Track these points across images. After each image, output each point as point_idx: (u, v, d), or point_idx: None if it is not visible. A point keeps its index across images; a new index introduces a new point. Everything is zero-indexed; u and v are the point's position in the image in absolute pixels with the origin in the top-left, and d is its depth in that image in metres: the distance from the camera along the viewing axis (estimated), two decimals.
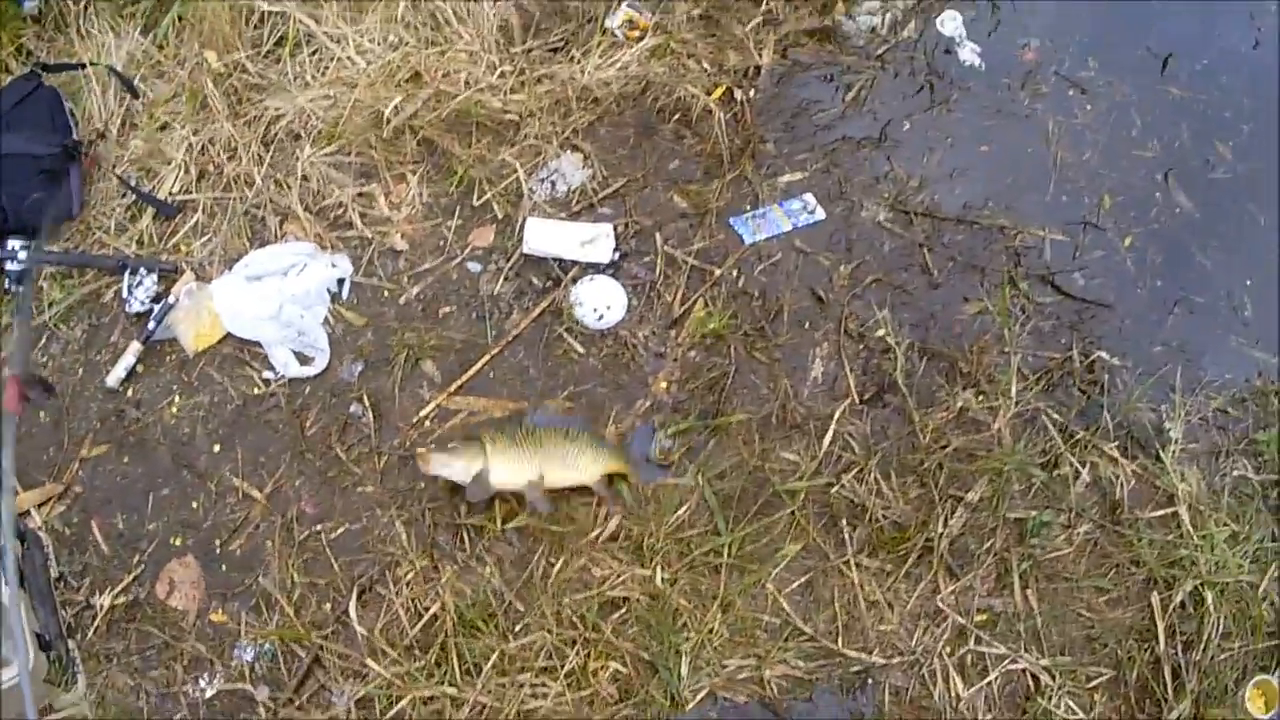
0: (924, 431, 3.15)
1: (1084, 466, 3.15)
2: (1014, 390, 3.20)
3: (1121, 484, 3.17)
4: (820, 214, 3.38)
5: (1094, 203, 3.54)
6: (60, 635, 2.94)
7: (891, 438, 3.17)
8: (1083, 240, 3.49)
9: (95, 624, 3.04)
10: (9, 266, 3.30)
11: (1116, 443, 3.22)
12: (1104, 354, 3.33)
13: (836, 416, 3.17)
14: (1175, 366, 3.35)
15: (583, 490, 3.06)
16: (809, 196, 3.40)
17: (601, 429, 3.17)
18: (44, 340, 3.35)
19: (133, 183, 3.44)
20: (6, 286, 3.34)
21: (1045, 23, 3.77)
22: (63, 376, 3.31)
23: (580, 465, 3.00)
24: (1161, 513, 3.17)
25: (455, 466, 2.96)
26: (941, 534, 3.04)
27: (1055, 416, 3.22)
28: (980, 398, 3.21)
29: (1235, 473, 3.25)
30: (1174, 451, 3.22)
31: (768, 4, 3.65)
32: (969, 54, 3.64)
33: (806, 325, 3.27)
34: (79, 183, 3.44)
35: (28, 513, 3.15)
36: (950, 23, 3.66)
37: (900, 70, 3.64)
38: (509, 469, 2.96)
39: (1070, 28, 3.78)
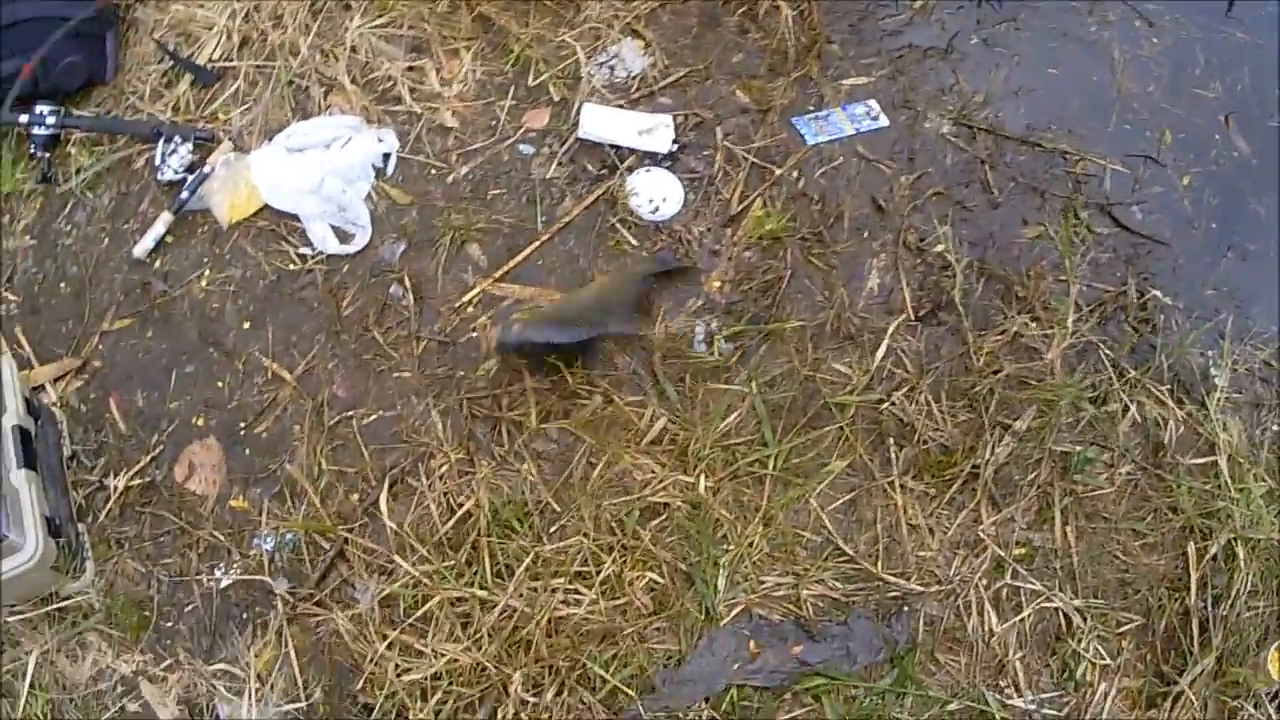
0: (978, 354, 2.53)
1: (1132, 405, 2.53)
2: (1070, 321, 2.57)
3: (1168, 427, 2.54)
4: (884, 121, 2.71)
5: (1155, 137, 2.88)
6: (70, 518, 2.35)
7: (944, 358, 2.54)
8: (1142, 174, 2.84)
9: (108, 507, 2.41)
10: (36, 131, 2.66)
11: (1166, 385, 2.58)
12: (1158, 293, 2.69)
13: (891, 331, 2.54)
14: (1226, 314, 2.71)
15: (625, 385, 2.48)
16: (873, 102, 2.74)
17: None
18: (69, 208, 2.71)
19: (171, 48, 2.70)
20: (33, 152, 2.69)
21: None
22: (87, 246, 2.67)
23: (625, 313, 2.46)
24: (1202, 461, 2.53)
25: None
26: (987, 461, 2.42)
27: (1108, 352, 2.58)
28: (1035, 324, 2.58)
29: (1275, 428, 2.62)
30: (1218, 400, 2.58)
31: None
32: None
33: (865, 234, 2.62)
34: (115, 47, 2.77)
35: (42, 388, 2.52)
36: None
37: None
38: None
39: None
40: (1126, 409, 2.53)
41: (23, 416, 2.23)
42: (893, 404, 2.47)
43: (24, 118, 2.64)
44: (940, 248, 2.61)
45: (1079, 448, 2.47)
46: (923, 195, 2.67)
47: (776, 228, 2.57)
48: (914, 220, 2.64)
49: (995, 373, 2.50)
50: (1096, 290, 2.66)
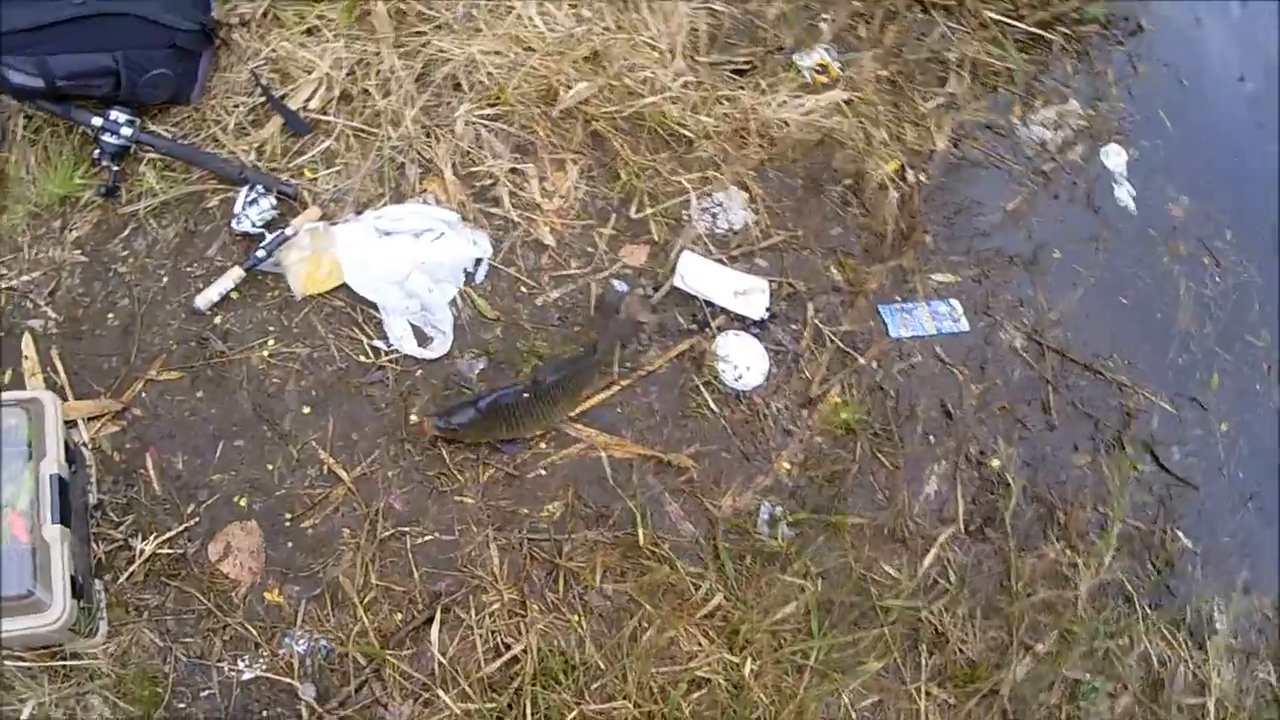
0: (1017, 576, 3.13)
1: (1143, 643, 3.18)
2: (1107, 560, 3.20)
3: (1170, 666, 3.20)
4: (964, 324, 3.29)
5: (1204, 378, 3.58)
6: (89, 572, 2.64)
7: (986, 574, 3.14)
8: (1187, 415, 3.52)
9: (131, 570, 2.71)
10: (106, 139, 2.92)
11: (1176, 627, 3.25)
12: (1183, 535, 3.36)
13: (940, 540, 3.11)
14: (1238, 563, 3.42)
15: (685, 553, 2.95)
16: (956, 303, 3.30)
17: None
18: (128, 231, 3.00)
19: (265, 83, 3.00)
20: (98, 158, 2.95)
21: (1194, 181, 3.76)
22: (143, 279, 2.96)
23: (585, 391, 3.00)
24: (1194, 701, 3.21)
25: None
26: (1006, 679, 3.01)
27: (1130, 589, 3.24)
28: (1070, 552, 3.20)
29: (1264, 676, 3.33)
30: (1218, 644, 3.28)
31: (951, 86, 3.41)
32: (1124, 194, 3.60)
33: (931, 439, 3.20)
34: (206, 68, 3.05)
35: (74, 424, 2.79)
36: (1114, 157, 3.62)
37: (1061, 193, 3.57)
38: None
39: (1215, 191, 3.76)
40: (1133, 644, 3.16)
41: (62, 463, 2.50)
42: (931, 612, 3.03)
43: (96, 120, 2.91)
44: (997, 464, 3.19)
45: (1089, 676, 3.09)
46: (988, 407, 3.26)
47: (851, 419, 3.10)
48: (978, 432, 3.21)
49: (1029, 596, 3.10)
50: (1129, 526, 3.30)
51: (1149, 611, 3.21)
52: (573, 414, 2.97)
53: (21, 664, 2.56)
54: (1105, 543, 3.21)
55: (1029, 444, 3.29)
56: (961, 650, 3.03)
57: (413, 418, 2.91)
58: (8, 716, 2.54)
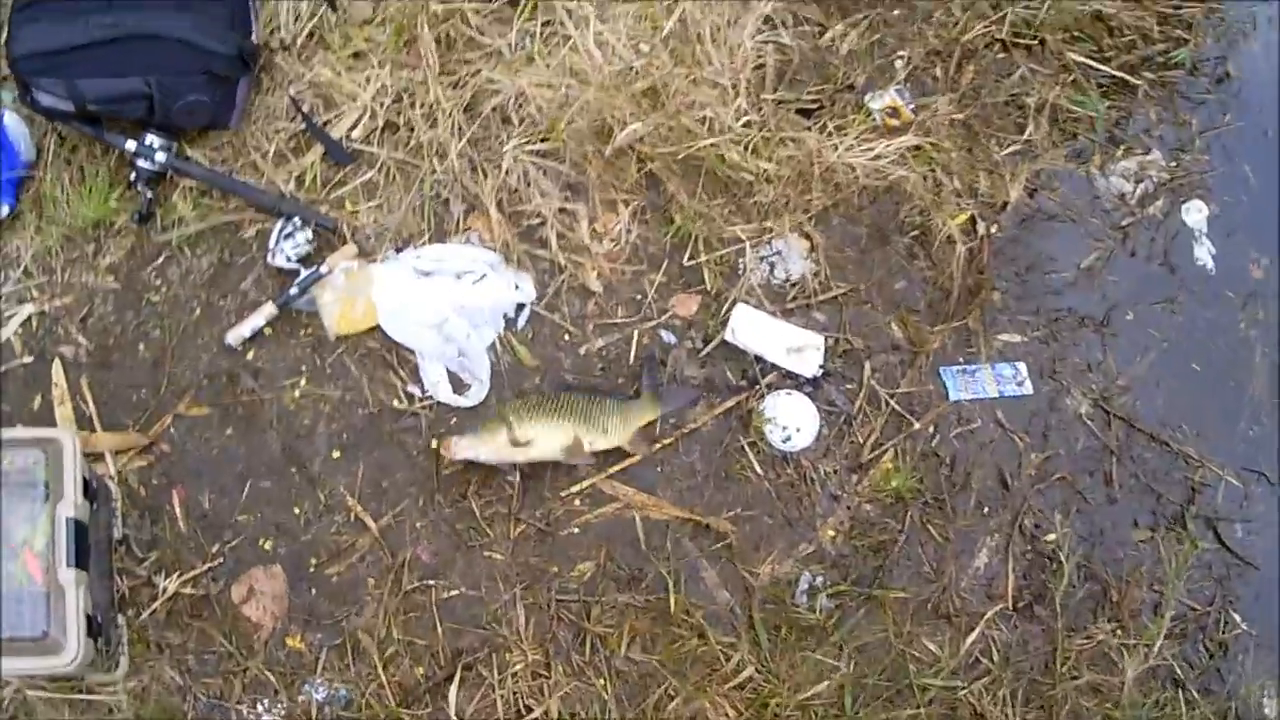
0: (1063, 659, 3.12)
1: None
2: (1158, 644, 3.18)
3: None
4: (1028, 388, 3.27)
5: (1273, 451, 3.50)
6: (111, 605, 2.73)
7: (1031, 654, 3.13)
8: (1253, 490, 3.46)
9: (153, 607, 2.81)
10: (141, 164, 2.96)
11: (1222, 716, 3.22)
12: (1238, 617, 3.32)
13: (986, 618, 3.11)
14: None
15: (718, 621, 2.97)
16: (1021, 366, 3.28)
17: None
18: (162, 259, 3.06)
19: (306, 109, 3.01)
20: (133, 182, 2.99)
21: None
22: (175, 310, 3.02)
23: (612, 428, 2.95)
24: None
25: (482, 448, 2.85)
26: None
27: (1179, 674, 3.21)
28: (1120, 632, 3.18)
29: None
30: None
31: (1029, 133, 3.36)
32: (1204, 252, 3.53)
33: (985, 510, 3.19)
34: (246, 94, 3.07)
35: (101, 457, 2.87)
36: (1195, 213, 3.54)
37: (1138, 250, 3.52)
38: (541, 439, 2.89)
39: None
40: None
41: (79, 505, 2.54)
42: (971, 692, 3.03)
43: (130, 144, 2.94)
44: (1052, 538, 3.18)
45: None
46: (1048, 478, 3.25)
47: (902, 486, 3.10)
48: (1035, 503, 3.19)
49: (1074, 678, 3.10)
50: (1184, 605, 3.26)
51: (1197, 698, 3.19)
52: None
53: (43, 693, 2.68)
54: (1158, 626, 3.19)
55: (1087, 518, 3.26)
56: None
57: (433, 443, 2.95)
58: None
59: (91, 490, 2.63)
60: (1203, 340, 3.50)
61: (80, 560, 2.49)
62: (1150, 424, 3.38)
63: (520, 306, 3.09)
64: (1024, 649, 3.12)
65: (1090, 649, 3.14)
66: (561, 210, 3.13)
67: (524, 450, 2.86)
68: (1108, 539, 3.27)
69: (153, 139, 2.94)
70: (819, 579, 3.04)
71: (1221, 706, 3.21)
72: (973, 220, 3.36)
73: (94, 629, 2.53)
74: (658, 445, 3.04)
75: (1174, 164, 3.61)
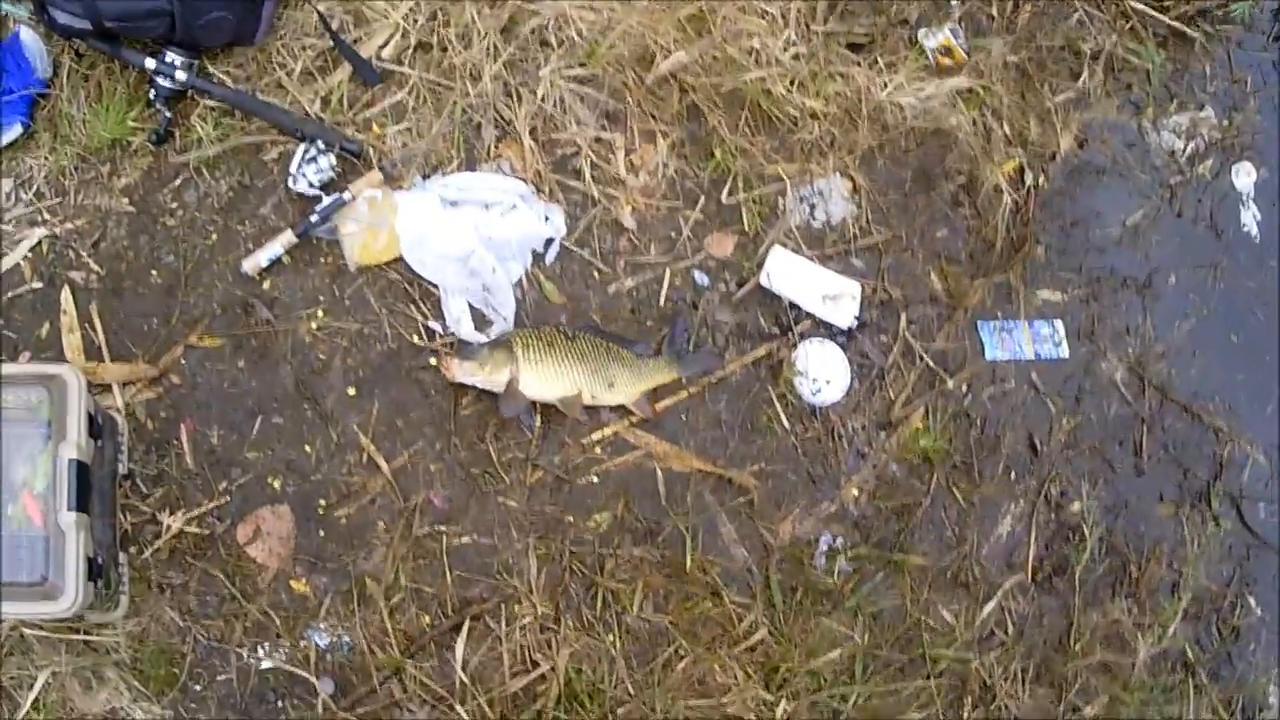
0: (1078, 635, 2.54)
1: (1192, 715, 2.60)
2: (1173, 626, 2.59)
3: None
4: (1064, 350, 2.65)
5: None
6: (114, 543, 2.16)
7: (1046, 628, 2.55)
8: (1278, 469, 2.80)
9: (157, 545, 2.22)
10: (160, 82, 2.28)
11: (1228, 703, 2.65)
12: (1253, 601, 2.73)
13: (1005, 589, 2.52)
14: None
15: (733, 580, 2.39)
16: (1059, 325, 2.65)
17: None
18: (179, 182, 2.38)
19: (336, 27, 2.29)
20: (152, 101, 2.30)
21: None
22: (191, 235, 2.37)
23: (620, 383, 2.32)
24: None
25: (482, 374, 2.24)
26: None
27: (1190, 657, 2.62)
28: (1136, 610, 2.60)
29: None
30: None
31: (1083, 80, 2.60)
32: (1249, 218, 2.86)
33: (1012, 476, 2.60)
34: (272, 8, 2.38)
35: (108, 389, 2.26)
36: (1244, 176, 2.85)
37: (1185, 210, 2.83)
38: (542, 380, 2.27)
39: None
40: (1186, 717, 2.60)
41: (83, 446, 1.97)
42: (983, 663, 2.47)
43: (150, 62, 2.28)
44: (1076, 508, 2.56)
45: None
46: (1077, 445, 2.64)
47: (931, 447, 2.49)
48: (1062, 470, 2.59)
49: (1086, 656, 2.53)
50: (1201, 586, 2.68)
51: (1205, 683, 2.62)
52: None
53: (40, 632, 2.14)
54: (1174, 606, 2.61)
55: (1113, 488, 2.65)
56: (1008, 706, 2.48)
57: (432, 361, 2.34)
58: (23, 681, 2.13)
59: (96, 426, 2.06)
60: (1243, 310, 2.84)
61: (82, 502, 1.95)
62: (1183, 394, 2.75)
63: (549, 241, 2.44)
64: (1039, 623, 2.56)
65: (1105, 627, 2.58)
66: (597, 140, 2.47)
67: (524, 387, 2.25)
68: (1132, 512, 2.67)
69: (173, 56, 2.27)
70: (839, 540, 2.47)
71: (1228, 694, 2.65)
72: (1020, 169, 2.67)
73: (94, 571, 1.99)
74: (660, 406, 2.40)
75: (1226, 123, 2.90)
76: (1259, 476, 2.75)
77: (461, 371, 2.23)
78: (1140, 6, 2.82)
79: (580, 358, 2.29)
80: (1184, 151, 2.83)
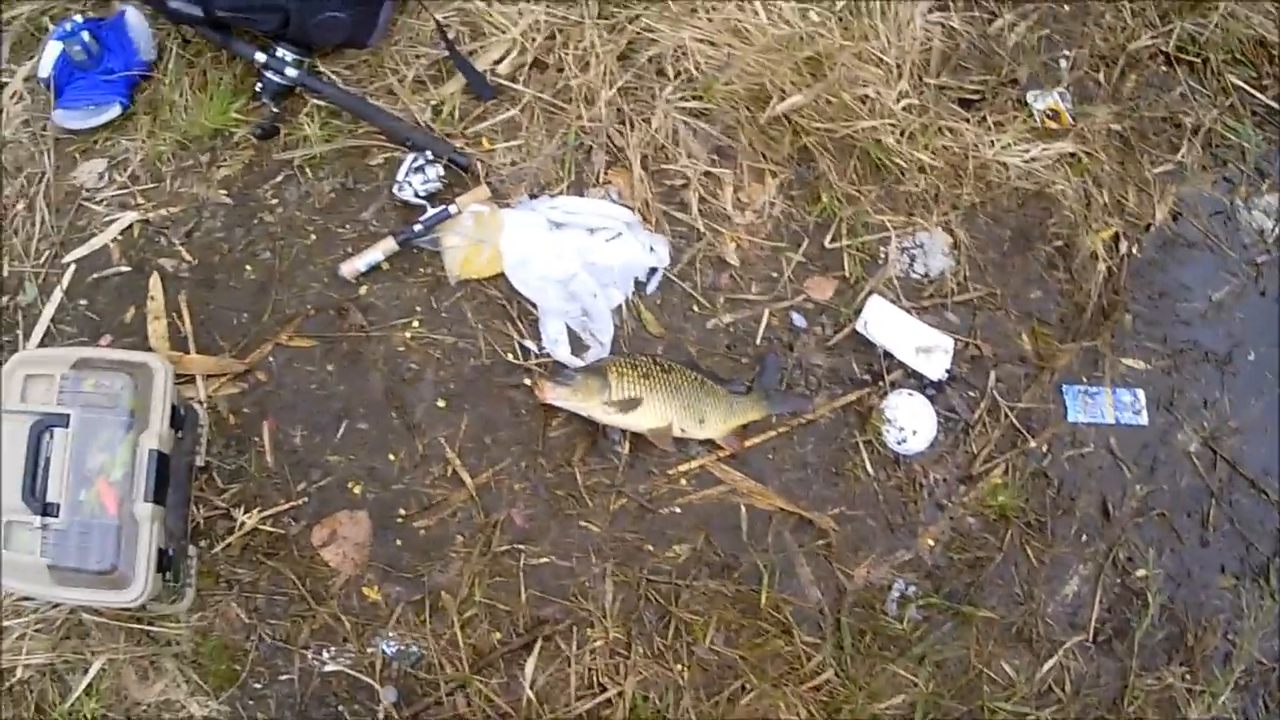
0: (1132, 697, 2.24)
1: None
2: (1224, 696, 2.28)
3: None
4: (1144, 419, 2.36)
5: None
6: (185, 535, 1.92)
7: (1101, 689, 2.25)
8: None
9: (229, 541, 1.97)
10: (269, 77, 2.05)
11: None
12: None
13: (1066, 647, 2.23)
14: None
15: (805, 619, 2.11)
16: (1141, 394, 2.37)
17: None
18: (280, 178, 2.14)
19: (452, 37, 1.99)
20: (259, 94, 2.06)
21: None
22: (289, 233, 2.12)
23: (711, 419, 2.05)
24: None
25: (575, 400, 1.97)
26: None
27: None
28: (1189, 677, 2.29)
29: None
30: None
31: (1182, 154, 2.30)
32: None
33: (1084, 538, 2.30)
34: (389, 13, 2.13)
35: (192, 379, 2.01)
36: None
37: (1269, 289, 2.54)
38: (633, 408, 1.99)
39: None
40: None
41: (164, 436, 1.76)
42: (1039, 719, 2.18)
43: (260, 56, 2.05)
44: (1142, 573, 2.28)
45: None
46: (1148, 513, 2.34)
47: (1008, 504, 2.21)
48: (1132, 536, 2.30)
49: (1137, 718, 2.24)
50: (1253, 659, 2.37)
51: None
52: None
53: (99, 618, 1.91)
54: (1226, 676, 2.31)
55: (1178, 558, 2.36)
56: None
57: (525, 381, 2.07)
58: (78, 666, 1.90)
59: (178, 417, 1.82)
60: None
61: (159, 494, 1.73)
62: (1253, 470, 2.43)
63: (652, 271, 2.17)
64: (1095, 682, 2.26)
65: (1158, 691, 2.27)
66: (707, 174, 2.19)
67: (615, 415, 1.98)
68: (1194, 582, 2.36)
69: (284, 52, 2.04)
70: (911, 588, 2.19)
71: None
72: (1116, 237, 2.36)
73: (164, 563, 1.77)
74: (749, 444, 2.13)
75: None
76: None
77: (555, 395, 1.97)
78: (1240, 84, 2.52)
79: (673, 390, 2.02)
80: (1273, 231, 2.52)
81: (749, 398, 2.09)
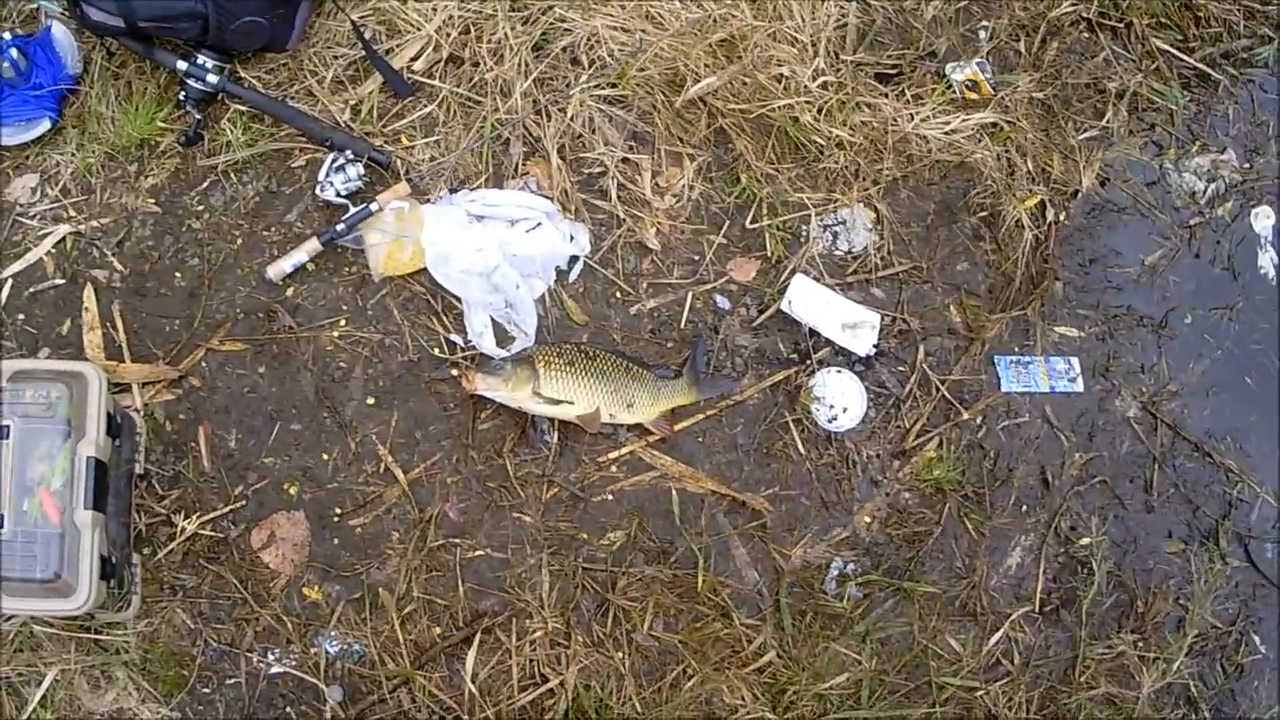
0: (1083, 666, 2.33)
1: None
2: (1178, 662, 2.38)
3: None
4: (1079, 385, 2.45)
5: None
6: (127, 543, 2.02)
7: (1051, 660, 2.36)
8: None
9: (171, 547, 2.07)
10: (191, 84, 2.15)
11: None
12: (1257, 639, 2.51)
13: (1012, 619, 2.33)
14: None
15: (744, 602, 2.21)
16: (1075, 361, 2.46)
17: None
18: (206, 185, 2.25)
19: (368, 37, 2.11)
20: (182, 102, 2.17)
21: None
22: (216, 239, 2.24)
23: (639, 403, 2.15)
24: None
25: (503, 389, 2.05)
26: None
27: (1194, 693, 2.40)
28: (1141, 644, 2.39)
29: None
30: None
31: (1107, 119, 2.40)
32: (1267, 262, 2.67)
33: (1024, 508, 2.41)
34: (307, 14, 2.25)
35: (127, 388, 2.12)
36: (1263, 220, 2.67)
37: (1203, 252, 2.65)
38: (560, 396, 2.10)
39: None
40: None
41: (101, 444, 1.86)
42: (988, 693, 2.29)
43: (181, 64, 2.15)
44: (1086, 542, 2.38)
45: None
46: (1089, 480, 2.45)
47: (944, 477, 2.32)
48: (1073, 505, 2.40)
49: (1090, 688, 2.34)
50: (1207, 624, 2.47)
51: (1209, 719, 2.42)
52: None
53: (50, 629, 2.00)
54: (1179, 642, 2.41)
55: (1123, 524, 2.46)
56: None
57: (453, 371, 2.18)
58: (31, 678, 2.00)
59: (115, 425, 1.94)
60: (1257, 352, 2.64)
61: (98, 501, 1.84)
62: (1195, 433, 2.55)
63: (573, 259, 2.29)
64: (1045, 654, 2.37)
65: (1110, 660, 2.38)
66: (624, 161, 2.31)
67: (543, 404, 2.09)
68: (1140, 548, 2.47)
69: (205, 59, 2.14)
70: (850, 566, 2.30)
71: None
72: (1042, 205, 2.48)
73: (107, 570, 1.88)
74: (678, 428, 2.23)
75: (1247, 165, 2.67)
76: (1267, 516, 2.55)
77: (483, 385, 2.07)
78: (1165, 47, 2.63)
79: (600, 376, 2.13)
80: (1204, 193, 2.63)
81: (677, 382, 2.19)
